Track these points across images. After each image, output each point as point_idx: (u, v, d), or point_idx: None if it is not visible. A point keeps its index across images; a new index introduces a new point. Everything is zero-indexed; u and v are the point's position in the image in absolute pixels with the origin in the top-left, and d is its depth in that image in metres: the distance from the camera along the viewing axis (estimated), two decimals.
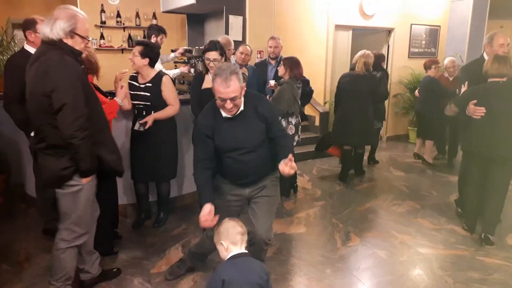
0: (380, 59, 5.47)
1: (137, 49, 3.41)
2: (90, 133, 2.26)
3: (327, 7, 6.57)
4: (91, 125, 2.28)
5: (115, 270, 3.02)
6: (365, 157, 5.94)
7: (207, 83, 3.51)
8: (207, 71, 3.54)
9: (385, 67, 5.87)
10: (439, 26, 7.88)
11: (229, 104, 2.34)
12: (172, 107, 3.53)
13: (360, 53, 4.93)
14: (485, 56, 3.89)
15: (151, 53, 3.44)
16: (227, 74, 2.28)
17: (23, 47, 3.33)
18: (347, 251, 3.51)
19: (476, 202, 3.80)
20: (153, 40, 4.76)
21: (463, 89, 3.84)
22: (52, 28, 2.23)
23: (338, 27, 6.72)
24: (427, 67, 5.87)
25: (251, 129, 2.47)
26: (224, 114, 2.44)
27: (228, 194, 2.64)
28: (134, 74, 3.59)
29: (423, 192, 5.00)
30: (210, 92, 3.42)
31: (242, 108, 2.45)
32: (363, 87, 4.88)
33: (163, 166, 3.67)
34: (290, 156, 2.30)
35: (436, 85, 5.71)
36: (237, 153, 2.48)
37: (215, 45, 3.44)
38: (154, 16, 7.21)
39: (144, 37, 6.02)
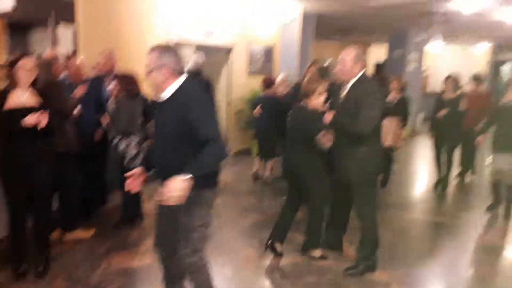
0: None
1: None
2: None
3: (168, 23, 6.46)
4: None
5: None
6: None
7: (13, 100, 3.06)
8: (14, 86, 3.10)
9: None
10: (274, 45, 8.50)
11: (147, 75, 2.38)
12: None
13: None
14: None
15: None
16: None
17: None
18: None
19: None
20: None
21: None
22: None
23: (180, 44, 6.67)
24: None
25: (164, 122, 2.38)
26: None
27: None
28: None
29: (265, 206, 5.27)
30: (17, 113, 2.96)
31: (168, 95, 2.36)
32: None
33: None
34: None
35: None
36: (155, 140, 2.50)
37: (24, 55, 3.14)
38: None
39: None
